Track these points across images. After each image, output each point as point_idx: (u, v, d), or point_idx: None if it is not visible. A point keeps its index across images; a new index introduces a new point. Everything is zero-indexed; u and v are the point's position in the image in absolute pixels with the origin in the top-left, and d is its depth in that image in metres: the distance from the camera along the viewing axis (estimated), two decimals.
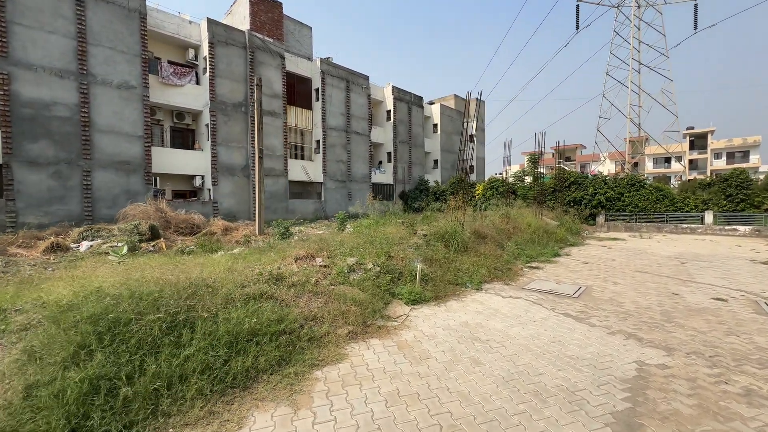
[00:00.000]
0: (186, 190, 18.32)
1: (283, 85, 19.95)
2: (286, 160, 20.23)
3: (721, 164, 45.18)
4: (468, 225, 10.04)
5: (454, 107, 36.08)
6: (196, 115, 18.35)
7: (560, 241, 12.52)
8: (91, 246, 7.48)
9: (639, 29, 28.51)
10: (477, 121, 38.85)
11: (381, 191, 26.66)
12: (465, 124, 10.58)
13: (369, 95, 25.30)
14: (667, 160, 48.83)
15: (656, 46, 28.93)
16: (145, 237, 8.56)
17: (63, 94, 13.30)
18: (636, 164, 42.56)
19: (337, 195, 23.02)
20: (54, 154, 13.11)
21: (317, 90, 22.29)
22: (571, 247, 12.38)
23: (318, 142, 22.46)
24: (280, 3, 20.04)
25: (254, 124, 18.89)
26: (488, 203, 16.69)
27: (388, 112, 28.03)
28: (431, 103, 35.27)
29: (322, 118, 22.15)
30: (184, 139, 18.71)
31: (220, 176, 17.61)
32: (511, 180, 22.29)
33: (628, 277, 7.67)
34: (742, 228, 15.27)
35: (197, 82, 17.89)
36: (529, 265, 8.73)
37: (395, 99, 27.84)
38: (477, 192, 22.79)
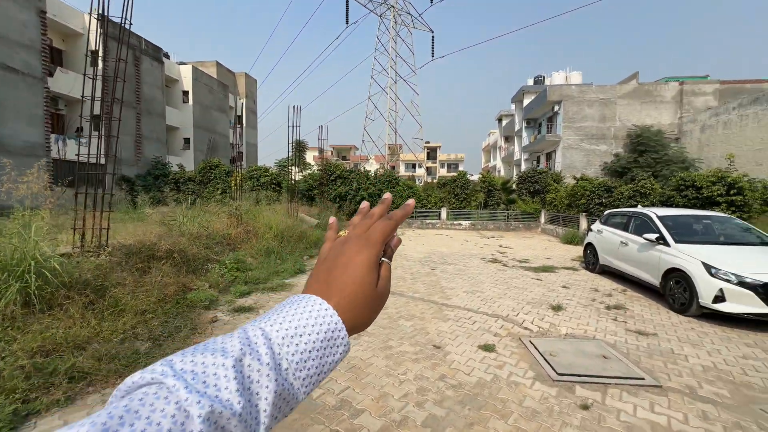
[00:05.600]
0: None
1: None
2: None
3: (444, 173, 59.62)
4: (130, 234, 5.26)
5: (216, 77, 29.16)
6: None
7: (315, 245, 9.74)
8: None
9: (396, 42, 31.71)
10: (245, 100, 33.53)
11: (72, 172, 16.90)
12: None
13: (43, 12, 15.18)
14: (413, 165, 60.09)
15: (409, 62, 33.18)
16: None
17: None
18: (393, 167, 49.58)
19: None
20: None
21: None
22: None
23: None
24: None
25: None
26: (241, 197, 12.23)
27: (94, 52, 18.22)
28: (182, 63, 26.93)
29: None
30: None
31: None
32: (274, 170, 18.72)
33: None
34: (464, 222, 17.93)
35: None
36: (241, 302, 4.95)
37: (106, 35, 18.37)
38: (232, 182, 17.83)
